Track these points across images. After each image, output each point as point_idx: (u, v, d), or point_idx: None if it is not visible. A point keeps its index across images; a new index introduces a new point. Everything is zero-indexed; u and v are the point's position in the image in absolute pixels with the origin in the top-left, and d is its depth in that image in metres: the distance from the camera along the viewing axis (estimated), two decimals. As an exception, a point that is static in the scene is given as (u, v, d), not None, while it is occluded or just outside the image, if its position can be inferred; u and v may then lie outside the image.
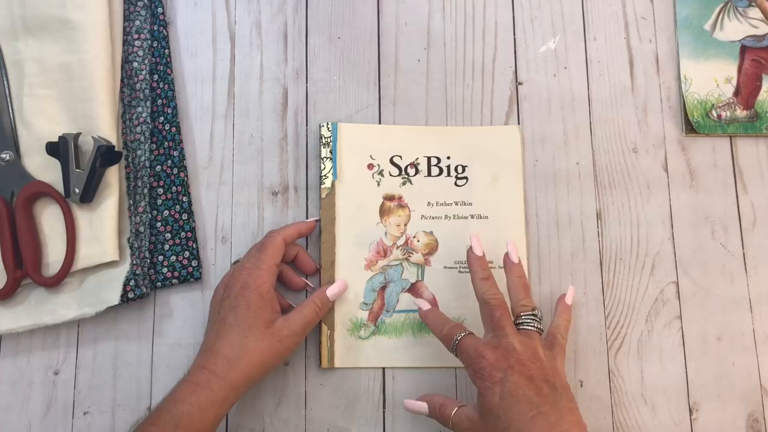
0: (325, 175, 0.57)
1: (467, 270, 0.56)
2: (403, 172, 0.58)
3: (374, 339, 0.55)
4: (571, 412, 0.44)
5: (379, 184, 0.57)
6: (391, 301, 0.56)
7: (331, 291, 0.53)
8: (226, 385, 0.46)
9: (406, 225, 0.57)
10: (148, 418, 0.46)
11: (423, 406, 0.50)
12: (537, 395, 0.44)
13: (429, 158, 0.58)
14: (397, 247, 0.57)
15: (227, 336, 0.48)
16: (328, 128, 0.58)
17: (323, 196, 0.57)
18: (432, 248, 0.57)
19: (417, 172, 0.58)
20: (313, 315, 0.51)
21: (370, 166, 0.58)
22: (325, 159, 0.57)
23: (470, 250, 0.52)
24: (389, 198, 0.57)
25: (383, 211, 0.57)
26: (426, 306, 0.52)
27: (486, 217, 0.57)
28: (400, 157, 0.58)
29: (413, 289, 0.56)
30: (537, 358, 0.46)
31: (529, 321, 0.48)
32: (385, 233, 0.57)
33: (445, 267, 0.56)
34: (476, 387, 0.46)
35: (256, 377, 0.48)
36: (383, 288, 0.56)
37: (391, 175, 0.58)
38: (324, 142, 0.58)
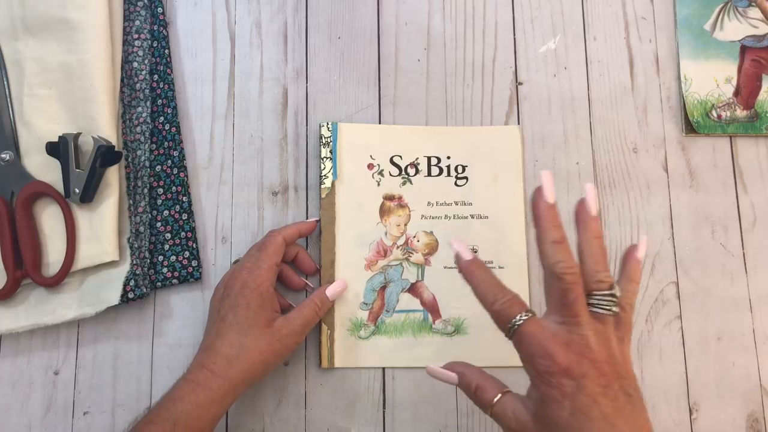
0: (325, 175, 0.57)
1: None
2: (403, 172, 0.58)
3: (374, 339, 0.55)
4: (645, 421, 0.37)
5: (379, 184, 0.57)
6: (391, 301, 0.56)
7: (330, 290, 0.53)
8: (225, 384, 0.46)
9: (406, 225, 0.57)
10: (146, 416, 0.46)
11: (452, 376, 0.42)
12: (613, 410, 0.35)
13: (429, 158, 0.58)
14: (397, 247, 0.57)
15: (227, 335, 0.48)
16: (328, 128, 0.58)
17: (323, 196, 0.57)
18: (432, 248, 0.57)
19: (417, 172, 0.58)
20: (312, 314, 0.51)
21: (370, 166, 0.58)
22: (325, 159, 0.57)
23: (538, 195, 0.39)
24: (389, 198, 0.57)
25: (383, 211, 0.57)
26: (467, 254, 0.41)
27: (486, 217, 0.57)
28: (400, 157, 0.58)
29: (413, 289, 0.56)
30: (613, 356, 0.37)
31: (606, 303, 0.38)
32: (385, 233, 0.57)
33: (445, 267, 0.56)
34: (536, 390, 0.37)
35: (256, 376, 0.48)
36: (383, 288, 0.56)
37: (391, 175, 0.58)
38: (324, 142, 0.58)
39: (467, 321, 0.55)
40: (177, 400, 0.45)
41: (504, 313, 0.38)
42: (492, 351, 0.55)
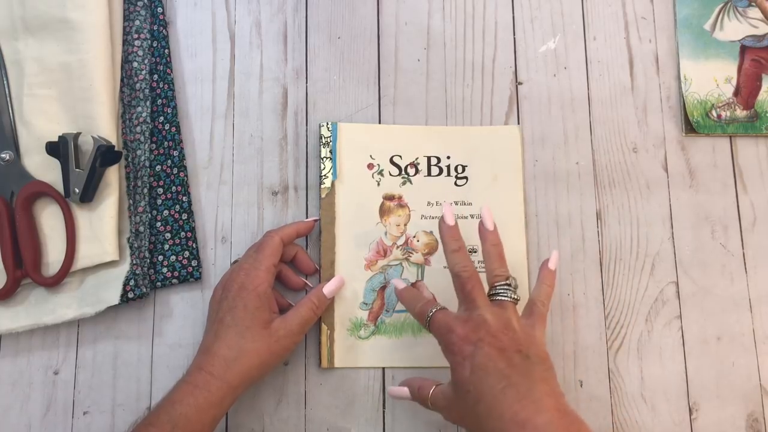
0: (325, 175, 0.57)
1: None
2: (403, 172, 0.58)
3: (374, 339, 0.55)
4: (545, 381, 0.42)
5: (379, 184, 0.57)
6: (391, 301, 0.56)
7: (328, 288, 0.53)
8: (223, 386, 0.46)
9: (406, 225, 0.57)
10: (146, 419, 0.46)
11: (404, 391, 0.50)
12: (508, 366, 0.42)
13: (429, 158, 0.58)
14: (397, 247, 0.57)
15: (225, 337, 0.48)
16: (328, 128, 0.58)
17: (323, 196, 0.57)
18: (432, 248, 0.57)
19: (417, 171, 0.58)
20: (310, 313, 0.51)
21: (370, 166, 0.58)
22: (324, 159, 0.57)
23: (442, 220, 0.50)
24: (389, 198, 0.57)
25: (383, 211, 0.57)
26: (401, 285, 0.52)
27: None
28: (400, 156, 0.58)
29: None
30: (509, 329, 0.44)
31: (502, 291, 0.47)
32: (385, 233, 0.57)
33: (444, 267, 0.56)
34: (449, 362, 0.46)
35: (254, 378, 0.48)
36: (383, 288, 0.56)
37: (391, 174, 0.58)
38: (324, 141, 0.58)
39: None
40: (176, 403, 0.46)
41: (422, 311, 0.48)
42: None
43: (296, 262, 0.55)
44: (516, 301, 0.47)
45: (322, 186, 0.57)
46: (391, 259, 0.56)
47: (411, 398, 0.50)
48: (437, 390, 0.47)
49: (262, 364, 0.48)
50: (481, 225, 0.50)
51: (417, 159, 0.58)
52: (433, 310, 0.47)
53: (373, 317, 0.55)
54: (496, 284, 0.47)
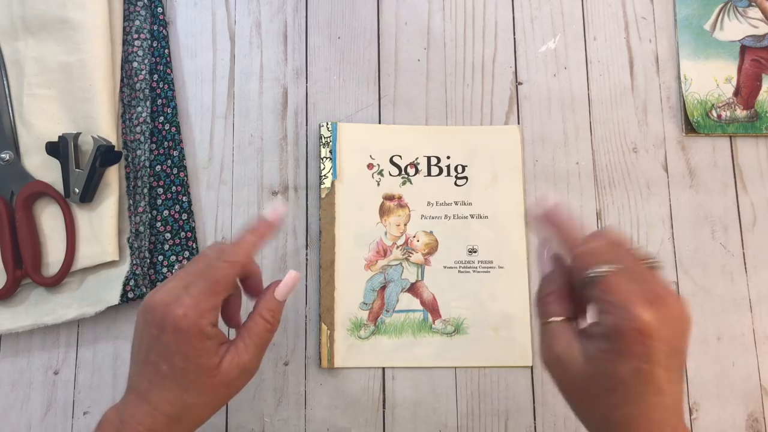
0: (324, 175, 0.57)
1: (467, 270, 0.56)
2: (403, 172, 0.58)
3: (374, 339, 0.55)
4: (680, 400, 0.36)
5: (378, 184, 0.57)
6: (390, 301, 0.56)
7: (279, 292, 0.42)
8: None
9: (405, 225, 0.57)
10: None
11: (544, 268, 0.40)
12: (666, 380, 0.35)
13: (429, 158, 0.58)
14: (397, 247, 0.57)
15: (162, 390, 0.38)
16: (328, 128, 0.58)
17: (323, 196, 0.57)
18: (432, 248, 0.57)
19: (417, 171, 0.58)
20: (264, 335, 0.40)
21: (370, 166, 0.58)
22: (324, 159, 0.57)
23: (550, 211, 0.40)
24: (389, 198, 0.57)
25: (383, 211, 0.57)
26: (553, 198, 0.40)
27: (486, 217, 0.57)
28: (400, 156, 0.58)
29: (413, 289, 0.56)
30: (675, 317, 0.36)
31: (652, 261, 0.38)
32: (385, 233, 0.57)
33: (444, 267, 0.56)
34: (604, 344, 0.35)
35: (201, 424, 0.40)
36: (383, 288, 0.56)
37: (391, 174, 0.58)
38: (324, 141, 0.58)
39: (467, 321, 0.55)
40: None
41: (589, 258, 0.37)
42: (492, 351, 0.55)
43: (244, 283, 0.43)
44: None
45: (322, 186, 0.57)
46: (391, 259, 0.56)
47: (541, 281, 0.40)
48: (565, 333, 0.37)
49: (211, 412, 0.40)
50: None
51: (417, 159, 0.58)
52: (613, 268, 0.36)
53: (373, 317, 0.55)
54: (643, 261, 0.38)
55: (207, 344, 0.38)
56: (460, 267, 0.56)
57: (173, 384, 0.38)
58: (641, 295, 0.34)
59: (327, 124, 0.58)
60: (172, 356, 0.37)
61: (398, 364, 0.55)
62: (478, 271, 0.56)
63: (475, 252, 0.56)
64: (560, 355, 0.37)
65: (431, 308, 0.56)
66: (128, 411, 0.38)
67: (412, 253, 0.57)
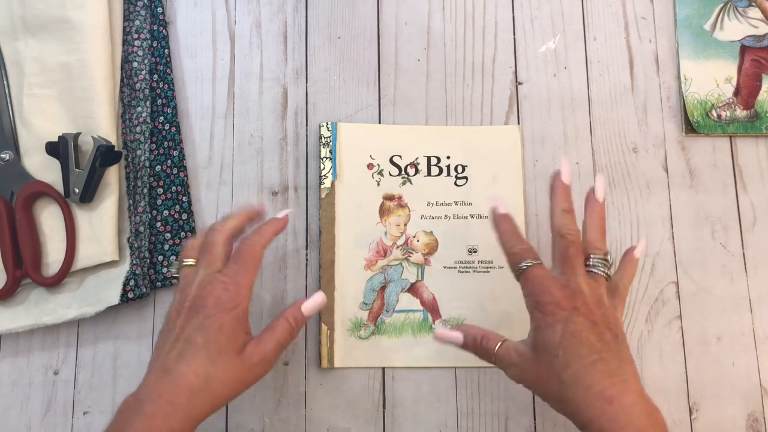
0: (324, 175, 0.57)
1: (467, 270, 0.56)
2: (402, 172, 0.58)
3: (374, 339, 0.55)
4: (631, 363, 0.42)
5: (378, 184, 0.57)
6: (390, 301, 0.56)
7: (306, 307, 0.46)
8: (186, 420, 0.40)
9: (405, 225, 0.57)
10: None
11: (457, 336, 0.46)
12: (599, 341, 0.41)
13: (429, 158, 0.58)
14: (397, 247, 0.57)
15: (193, 361, 0.41)
16: (328, 128, 0.58)
17: (323, 196, 0.57)
18: (432, 248, 0.57)
19: (417, 171, 0.58)
20: (286, 335, 0.45)
21: (370, 166, 0.58)
22: (324, 159, 0.57)
23: (557, 176, 0.47)
24: (389, 198, 0.57)
25: (383, 211, 0.57)
26: (503, 208, 0.47)
27: (486, 217, 0.57)
28: (400, 156, 0.58)
29: (413, 289, 0.56)
30: (602, 304, 0.43)
31: (599, 264, 0.45)
32: (385, 233, 0.57)
33: (444, 267, 0.56)
34: (533, 321, 0.43)
35: (217, 408, 0.42)
36: (383, 288, 0.56)
37: (390, 175, 0.58)
38: (324, 141, 0.58)
39: (467, 321, 0.55)
40: None
41: (518, 255, 0.45)
42: None
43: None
44: (609, 277, 0.45)
45: (322, 186, 0.57)
46: (391, 259, 0.56)
47: (462, 345, 0.46)
48: (509, 345, 0.44)
49: (230, 395, 0.43)
50: (590, 194, 0.47)
51: (417, 159, 0.58)
52: (532, 263, 0.44)
53: (373, 317, 0.55)
54: (594, 256, 0.45)
55: (239, 325, 0.43)
56: (460, 267, 0.56)
57: (203, 355, 0.41)
58: (557, 282, 0.43)
59: (327, 124, 0.58)
60: (208, 329, 0.42)
61: (398, 364, 0.55)
62: (478, 272, 0.56)
63: (475, 252, 0.56)
64: (516, 363, 0.43)
65: (431, 308, 0.56)
66: (147, 389, 0.41)
67: (412, 253, 0.57)
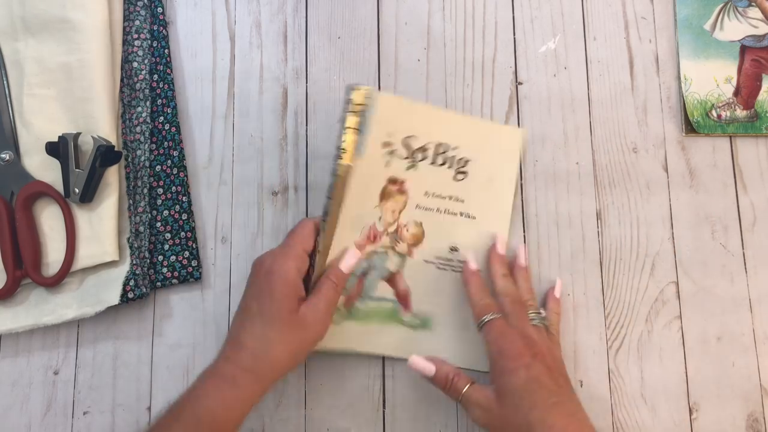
0: (343, 149, 0.50)
1: (445, 267, 0.56)
2: (411, 156, 0.56)
3: (344, 324, 0.54)
4: (579, 403, 0.48)
5: (386, 165, 0.56)
6: (368, 289, 0.55)
7: (344, 264, 0.51)
8: (252, 381, 0.45)
9: (400, 212, 0.56)
10: (168, 413, 0.44)
11: (430, 368, 0.50)
12: (555, 385, 0.46)
13: (438, 145, 0.56)
14: (387, 234, 0.56)
15: (251, 327, 0.46)
16: (366, 95, 0.50)
17: (339, 172, 0.50)
18: (418, 240, 0.56)
19: (424, 158, 0.57)
20: (332, 293, 0.49)
21: (385, 144, 0.56)
22: (348, 129, 0.50)
23: (493, 247, 0.55)
24: (393, 182, 0.56)
25: (383, 195, 0.56)
26: (474, 265, 0.53)
27: (474, 218, 0.57)
28: (415, 138, 0.56)
29: (391, 279, 0.56)
30: (551, 351, 0.49)
31: (536, 318, 0.51)
32: (379, 218, 0.56)
33: (425, 261, 0.56)
34: (497, 368, 0.47)
35: (284, 370, 0.47)
36: (364, 274, 0.55)
37: (399, 157, 0.56)
38: (352, 110, 0.50)
39: (435, 318, 0.55)
40: (201, 397, 0.44)
41: (484, 308, 0.50)
42: (452, 350, 0.55)
43: None
44: (546, 328, 0.51)
45: (340, 162, 0.50)
46: (378, 246, 0.56)
47: (433, 380, 0.50)
48: (476, 389, 0.48)
49: (292, 356, 0.47)
50: (515, 261, 0.55)
51: (428, 144, 0.56)
52: (496, 316, 0.49)
53: (348, 302, 0.55)
54: (530, 312, 0.51)
55: (290, 288, 0.47)
56: (439, 263, 0.56)
57: (259, 321, 0.46)
58: (516, 332, 0.48)
59: (362, 89, 0.50)
60: (261, 296, 0.47)
61: (362, 350, 0.54)
62: (456, 271, 0.56)
63: (456, 251, 0.56)
64: (482, 405, 0.47)
65: (403, 300, 0.55)
66: (220, 356, 0.46)
67: (398, 243, 0.56)
